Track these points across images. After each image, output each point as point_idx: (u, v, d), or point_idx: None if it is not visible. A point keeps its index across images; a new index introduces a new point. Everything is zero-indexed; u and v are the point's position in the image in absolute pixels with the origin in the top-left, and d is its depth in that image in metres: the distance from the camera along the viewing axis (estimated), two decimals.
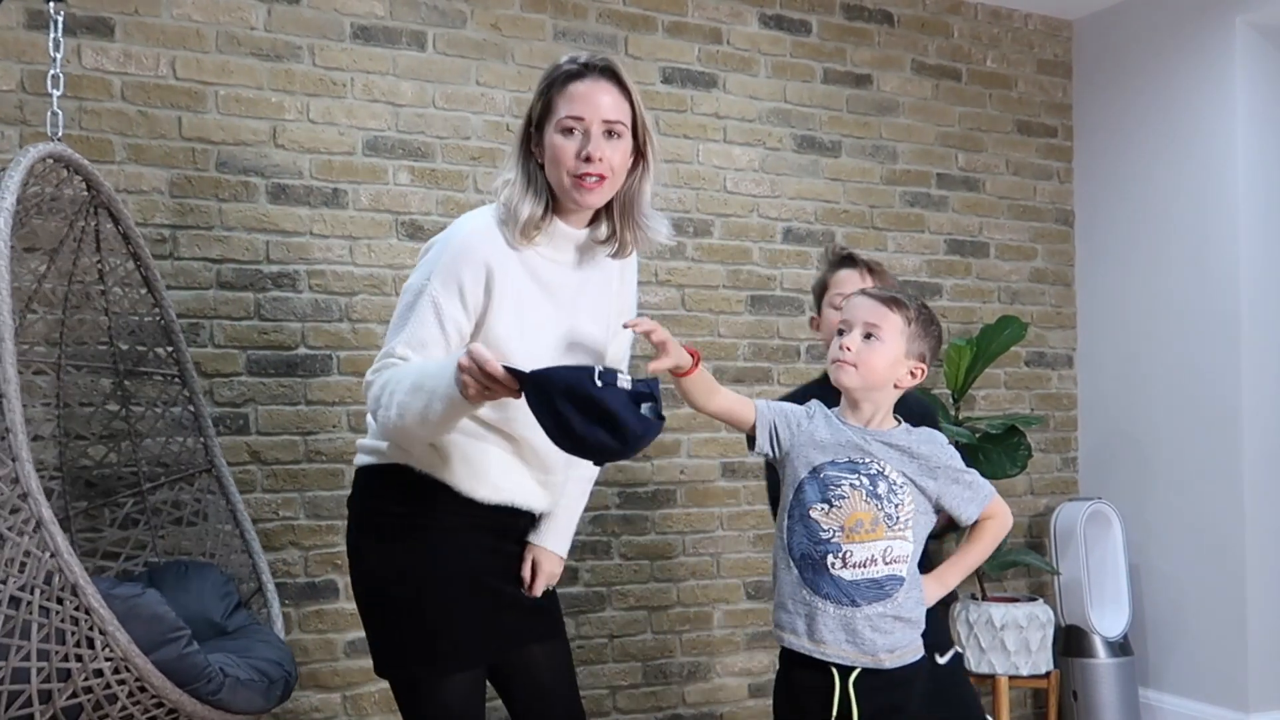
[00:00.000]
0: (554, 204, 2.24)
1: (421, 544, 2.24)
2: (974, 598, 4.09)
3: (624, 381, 1.90)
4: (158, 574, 2.91)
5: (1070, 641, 4.27)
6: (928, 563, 2.51)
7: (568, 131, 2.18)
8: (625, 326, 2.20)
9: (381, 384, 2.12)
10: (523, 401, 1.96)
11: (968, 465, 2.46)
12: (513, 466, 2.28)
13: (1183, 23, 4.26)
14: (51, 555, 2.11)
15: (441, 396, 1.98)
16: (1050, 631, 4.02)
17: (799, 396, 2.68)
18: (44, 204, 2.67)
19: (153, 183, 3.28)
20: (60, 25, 2.73)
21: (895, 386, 2.40)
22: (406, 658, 2.25)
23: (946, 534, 3.10)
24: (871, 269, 2.86)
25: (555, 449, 2.20)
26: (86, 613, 2.13)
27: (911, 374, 2.39)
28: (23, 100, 3.14)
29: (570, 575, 3.76)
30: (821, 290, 2.89)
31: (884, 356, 2.35)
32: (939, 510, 2.43)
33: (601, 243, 2.31)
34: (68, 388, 3.02)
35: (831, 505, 2.31)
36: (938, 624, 2.76)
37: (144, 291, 3.00)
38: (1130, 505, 4.37)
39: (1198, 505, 4.16)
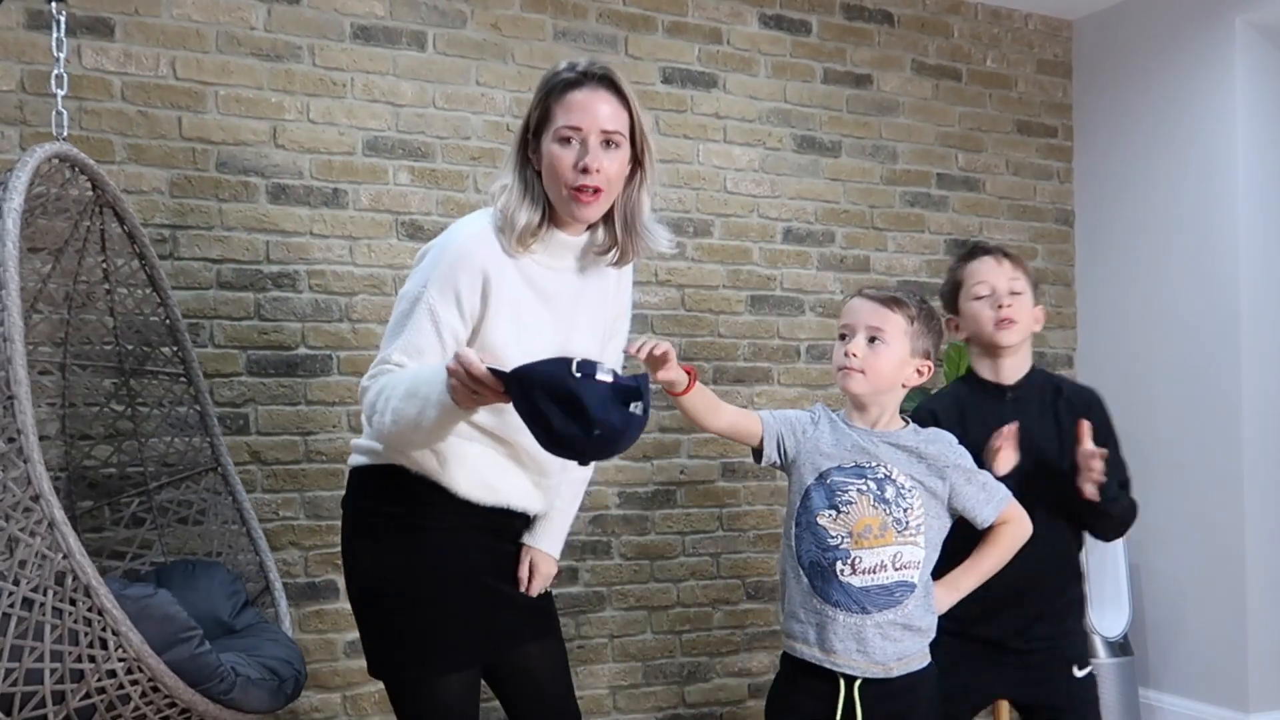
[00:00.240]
0: (551, 212, 2.23)
1: (418, 544, 2.24)
2: None
3: (605, 374, 1.84)
4: (164, 573, 2.91)
5: None
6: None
7: (565, 141, 2.17)
8: (626, 353, 2.17)
9: (377, 390, 2.11)
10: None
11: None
12: (508, 469, 2.28)
13: (1183, 23, 4.26)
14: (64, 556, 2.10)
15: (434, 403, 1.97)
16: None
17: (942, 400, 2.74)
18: (49, 204, 2.67)
19: (153, 183, 3.27)
20: (63, 25, 2.72)
21: (902, 386, 2.39)
22: (403, 657, 2.25)
23: None
24: (1007, 253, 2.72)
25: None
26: (99, 613, 2.12)
27: (918, 372, 2.38)
28: (23, 100, 3.14)
29: (570, 575, 3.76)
30: (954, 289, 2.75)
31: (890, 359, 2.34)
32: (954, 515, 2.41)
33: (601, 252, 2.30)
34: (72, 388, 3.01)
35: (839, 511, 2.30)
36: (1078, 634, 2.74)
37: (149, 291, 2.99)
38: None
39: (1198, 505, 4.16)
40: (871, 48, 4.29)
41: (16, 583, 2.10)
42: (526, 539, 2.40)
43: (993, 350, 2.67)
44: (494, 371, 1.88)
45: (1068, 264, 4.67)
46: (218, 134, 3.35)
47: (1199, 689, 4.18)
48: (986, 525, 2.41)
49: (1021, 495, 2.46)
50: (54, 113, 2.72)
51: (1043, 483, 2.56)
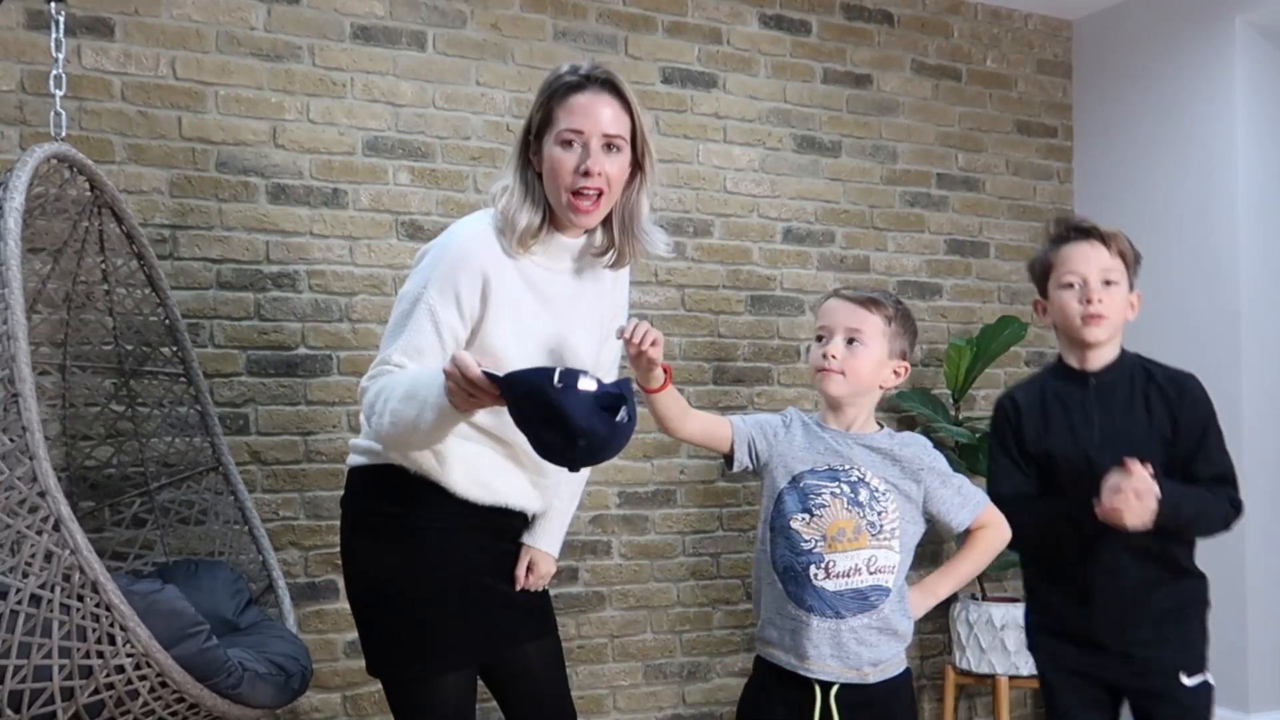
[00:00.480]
0: (551, 214, 2.23)
1: (417, 544, 2.24)
2: (974, 598, 4.09)
3: (587, 383, 1.85)
4: (168, 572, 2.90)
5: None
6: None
7: (567, 144, 2.17)
8: (620, 338, 2.17)
9: (376, 391, 2.11)
10: None
11: (971, 469, 2.44)
12: (507, 469, 2.29)
13: (1183, 23, 4.26)
14: (71, 553, 2.10)
15: (432, 405, 1.97)
16: None
17: (1025, 388, 2.65)
18: (48, 204, 2.67)
19: (153, 183, 3.27)
20: (62, 25, 2.72)
21: (879, 388, 2.37)
22: (402, 656, 2.25)
23: None
24: (1104, 236, 2.52)
25: None
26: (107, 609, 2.12)
27: (895, 373, 2.37)
28: (23, 100, 3.13)
29: (570, 575, 3.76)
30: (1045, 271, 2.57)
31: (869, 360, 2.32)
32: (929, 519, 2.39)
33: (598, 254, 2.30)
34: (72, 388, 3.01)
35: (812, 515, 2.29)
36: (1193, 639, 2.54)
37: (148, 291, 2.99)
38: None
39: None
40: (871, 48, 4.29)
41: (24, 579, 2.10)
42: (526, 538, 2.40)
43: (1078, 343, 2.54)
44: (489, 375, 1.88)
45: None
46: (218, 134, 3.35)
47: None
48: (962, 530, 2.39)
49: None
50: (53, 113, 2.72)
51: None
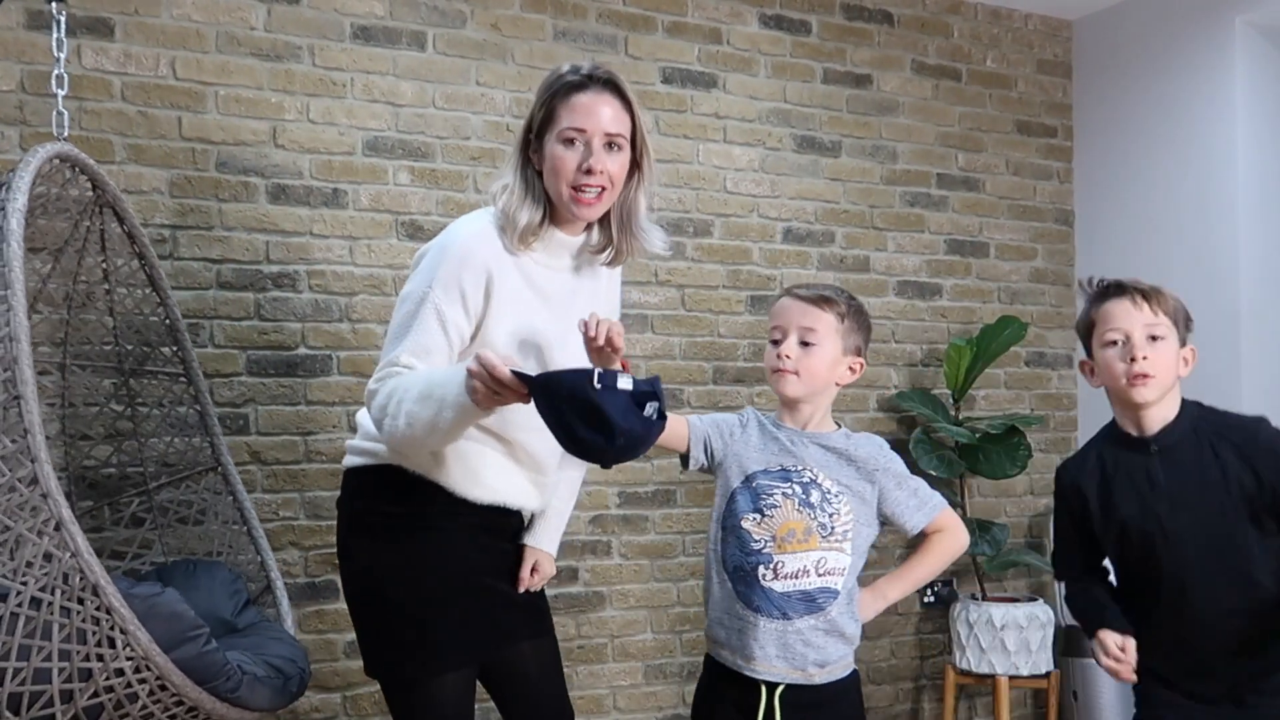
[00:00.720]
0: (551, 212, 2.25)
1: (417, 543, 2.25)
2: (974, 598, 4.10)
3: (625, 382, 1.89)
4: (166, 573, 2.91)
5: (1070, 642, 4.27)
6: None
7: (569, 142, 2.20)
8: (581, 330, 2.16)
9: (387, 393, 2.10)
10: (518, 405, 1.96)
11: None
12: (507, 468, 2.29)
13: (1183, 23, 4.26)
14: (72, 555, 2.10)
15: (451, 404, 1.97)
16: (1050, 632, 4.02)
17: (1081, 464, 2.46)
18: (49, 204, 2.67)
19: (153, 183, 3.27)
20: (63, 25, 2.72)
21: (836, 385, 2.37)
22: (401, 656, 2.26)
23: None
24: (1146, 292, 2.40)
25: (549, 451, 2.23)
26: (107, 612, 2.12)
27: (850, 370, 2.36)
28: (23, 100, 3.13)
29: (570, 575, 3.76)
30: (1089, 329, 2.44)
31: (823, 359, 2.32)
32: (884, 521, 2.38)
33: (596, 251, 2.32)
34: (72, 388, 3.01)
35: (763, 515, 2.28)
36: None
37: (148, 291, 2.99)
38: None
39: None
40: (871, 48, 4.29)
41: (24, 582, 2.10)
42: (528, 539, 2.41)
43: (1129, 404, 2.37)
44: (517, 374, 1.90)
45: (1068, 264, 4.66)
46: (218, 134, 3.34)
47: None
48: (916, 533, 2.39)
49: (1200, 560, 2.27)
50: (54, 113, 2.71)
51: (1222, 540, 2.28)
